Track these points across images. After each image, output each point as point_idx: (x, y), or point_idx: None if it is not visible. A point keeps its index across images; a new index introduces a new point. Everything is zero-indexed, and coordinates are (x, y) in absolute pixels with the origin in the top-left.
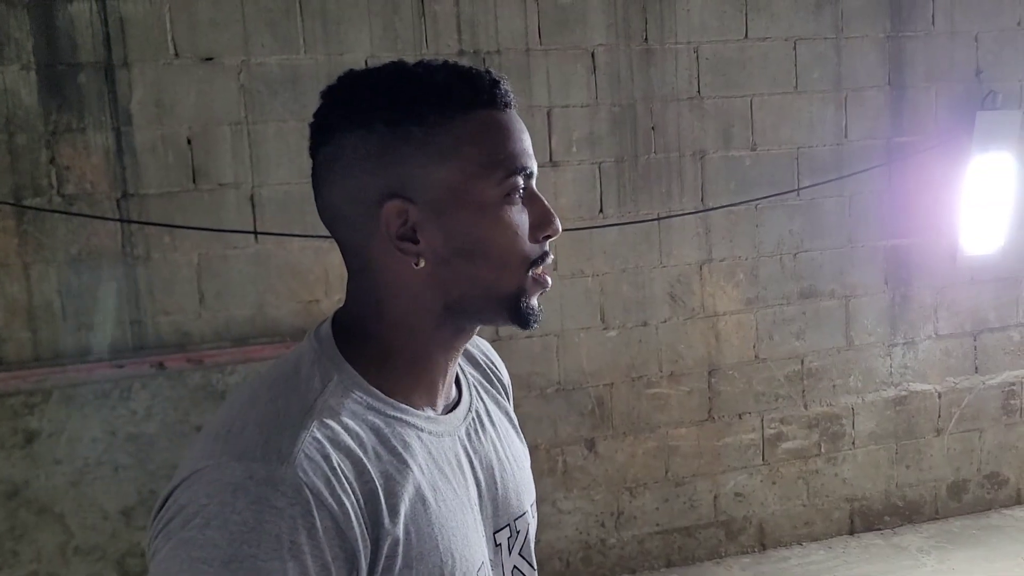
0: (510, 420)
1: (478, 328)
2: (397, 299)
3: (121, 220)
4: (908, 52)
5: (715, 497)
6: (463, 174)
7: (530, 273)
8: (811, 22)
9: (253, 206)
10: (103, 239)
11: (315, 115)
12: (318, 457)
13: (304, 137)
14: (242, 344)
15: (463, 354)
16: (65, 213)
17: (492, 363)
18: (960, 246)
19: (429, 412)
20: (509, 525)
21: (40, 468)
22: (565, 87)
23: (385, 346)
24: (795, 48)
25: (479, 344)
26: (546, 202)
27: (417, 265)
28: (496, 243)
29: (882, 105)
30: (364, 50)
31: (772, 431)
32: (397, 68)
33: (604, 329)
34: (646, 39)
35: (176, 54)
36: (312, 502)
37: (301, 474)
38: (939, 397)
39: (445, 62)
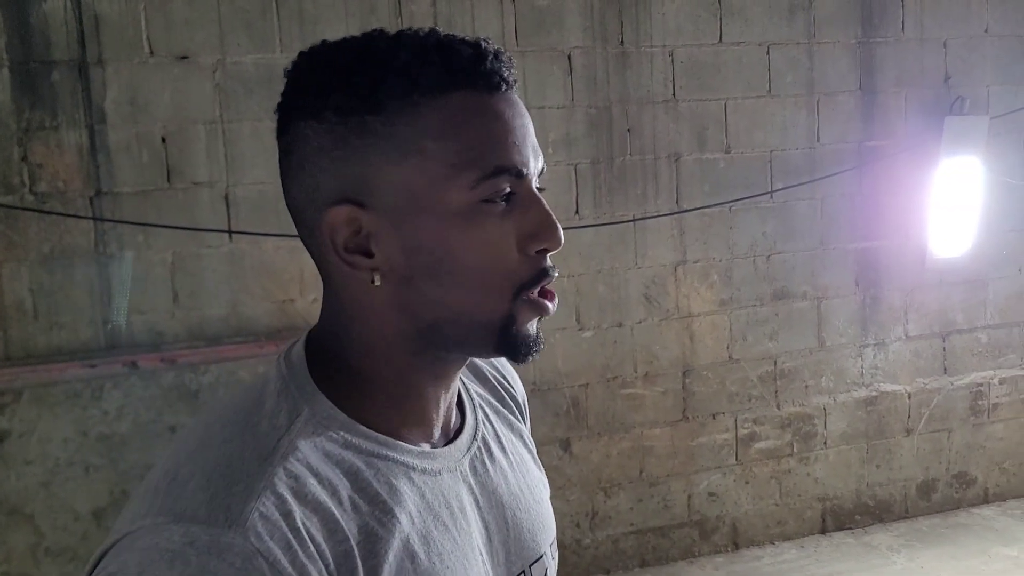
0: (525, 444)
1: (467, 359)
2: (364, 321)
3: (94, 218)
4: (879, 57)
5: (689, 497)
6: (426, 175)
7: (522, 296)
8: (784, 27)
9: (228, 205)
10: (76, 237)
11: (281, 95)
12: (276, 516)
13: None
14: (216, 344)
15: (467, 366)
16: (38, 211)
17: (503, 377)
18: (929, 249)
19: (423, 446)
20: (524, 572)
21: (10, 469)
22: (541, 88)
23: (361, 373)
24: (768, 53)
25: None
26: (545, 206)
27: (373, 283)
28: (468, 261)
29: (853, 109)
30: None
31: (745, 431)
32: (362, 43)
33: (579, 330)
34: (622, 42)
35: (151, 52)
36: (268, 573)
37: (254, 539)
38: (909, 398)
39: (431, 31)
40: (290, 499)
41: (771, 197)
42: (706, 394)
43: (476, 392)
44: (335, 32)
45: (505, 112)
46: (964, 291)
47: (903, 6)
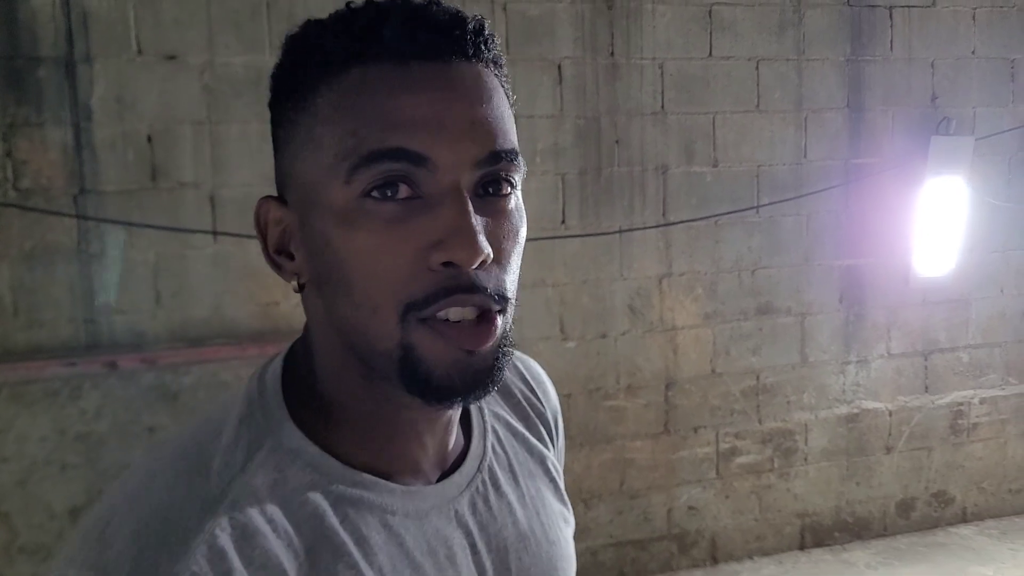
0: (547, 472)
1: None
2: (316, 335)
3: (78, 216)
4: (867, 76)
5: (669, 510)
6: (318, 167)
7: (410, 318)
8: (774, 43)
9: (213, 206)
10: (58, 235)
11: None
12: None
13: (266, 140)
14: (198, 345)
15: None
16: (20, 208)
17: (531, 391)
18: (913, 267)
19: (411, 483)
20: None
21: None
22: (531, 98)
23: (327, 397)
24: (757, 68)
25: (519, 365)
26: (467, 207)
27: (297, 290)
28: (349, 270)
29: (841, 127)
30: None
31: (726, 445)
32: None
33: (563, 340)
34: (612, 53)
35: (139, 51)
36: None
37: None
38: (890, 415)
39: (363, 4)
40: (232, 556)
41: (757, 212)
42: (688, 407)
43: (493, 411)
44: None
45: (412, 85)
46: (947, 310)
47: (892, 26)
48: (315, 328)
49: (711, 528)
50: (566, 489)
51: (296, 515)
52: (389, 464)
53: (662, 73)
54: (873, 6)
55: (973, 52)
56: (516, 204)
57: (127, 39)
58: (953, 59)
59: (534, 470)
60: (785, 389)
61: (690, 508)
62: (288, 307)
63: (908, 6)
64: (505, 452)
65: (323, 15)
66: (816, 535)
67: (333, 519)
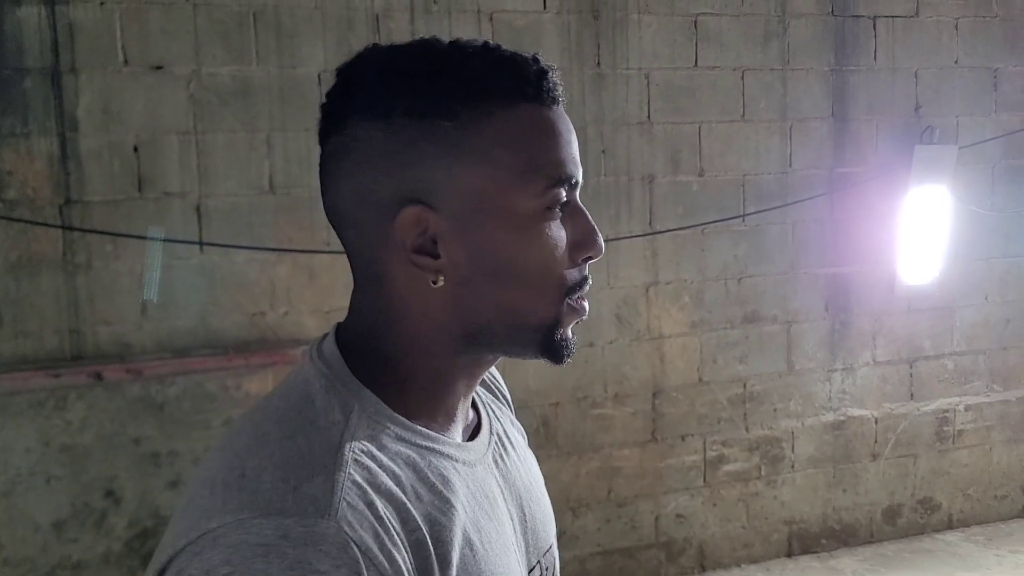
0: (526, 440)
1: (499, 359)
2: (410, 319)
3: (63, 227)
4: (851, 85)
5: (656, 518)
6: (497, 181)
7: (567, 301)
8: (759, 53)
9: (199, 216)
10: (44, 246)
11: (327, 95)
12: (362, 505)
13: (253, 149)
14: (184, 356)
15: None
16: (6, 219)
17: (494, 378)
18: (898, 275)
19: (458, 439)
20: (540, 562)
21: None
22: None
23: (399, 369)
24: (743, 78)
25: None
26: (590, 218)
27: (435, 284)
28: (531, 265)
29: (825, 136)
30: (317, 64)
31: (714, 453)
32: (428, 48)
33: None
34: (598, 64)
35: (125, 62)
36: (361, 561)
37: (347, 528)
38: (876, 422)
39: (485, 44)
40: (369, 489)
41: (743, 221)
42: (675, 416)
43: (479, 392)
44: (313, 47)
45: (562, 126)
46: (931, 318)
47: (875, 36)
48: (419, 314)
49: (699, 536)
50: (552, 497)
51: (396, 460)
52: (442, 425)
53: (648, 83)
54: (857, 16)
55: (956, 62)
56: None
57: (113, 50)
58: (936, 69)
59: (518, 437)
60: (772, 397)
61: (678, 516)
62: (275, 317)
63: (892, 16)
64: (500, 421)
65: (308, 27)
66: (803, 542)
67: (422, 464)
